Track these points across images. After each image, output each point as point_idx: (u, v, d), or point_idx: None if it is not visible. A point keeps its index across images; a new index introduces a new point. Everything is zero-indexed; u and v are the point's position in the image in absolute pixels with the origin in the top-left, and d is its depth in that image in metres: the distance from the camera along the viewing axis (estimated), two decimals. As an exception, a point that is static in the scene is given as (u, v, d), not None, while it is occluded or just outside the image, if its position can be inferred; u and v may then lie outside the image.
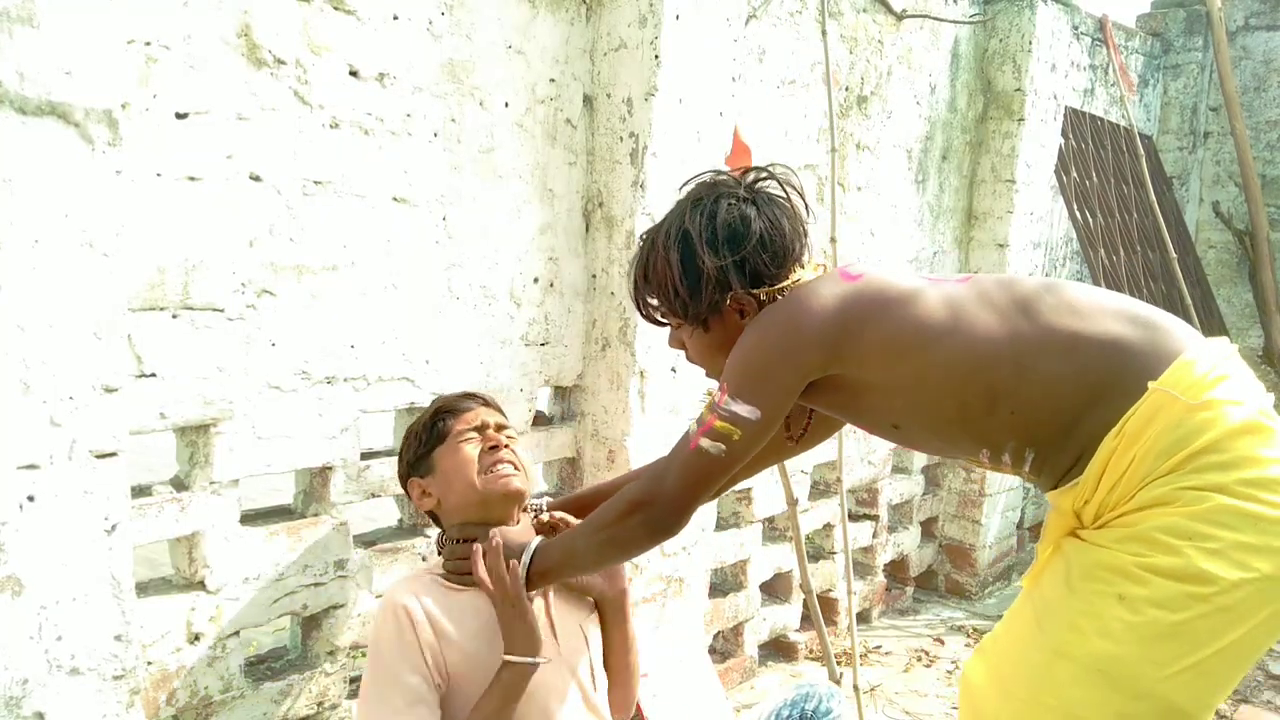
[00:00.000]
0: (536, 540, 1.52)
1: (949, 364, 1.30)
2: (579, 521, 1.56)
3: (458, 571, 1.53)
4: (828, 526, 3.26)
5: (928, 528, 3.87)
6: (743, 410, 1.34)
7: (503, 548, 1.48)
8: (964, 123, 3.61)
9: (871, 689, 2.98)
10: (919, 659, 3.26)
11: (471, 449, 1.58)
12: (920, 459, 3.69)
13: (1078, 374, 1.24)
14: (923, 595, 3.85)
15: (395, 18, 1.89)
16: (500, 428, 1.63)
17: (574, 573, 1.54)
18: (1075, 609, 1.22)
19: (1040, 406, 1.27)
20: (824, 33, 2.75)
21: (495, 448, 1.58)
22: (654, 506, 1.38)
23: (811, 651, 3.18)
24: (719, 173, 1.52)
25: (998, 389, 1.28)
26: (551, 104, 2.21)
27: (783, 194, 1.48)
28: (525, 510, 1.64)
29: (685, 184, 1.53)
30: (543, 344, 2.29)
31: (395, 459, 2.04)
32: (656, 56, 2.17)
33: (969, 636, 3.47)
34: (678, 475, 1.38)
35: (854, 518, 3.43)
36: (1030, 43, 3.55)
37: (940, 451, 1.45)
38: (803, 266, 1.47)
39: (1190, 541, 1.14)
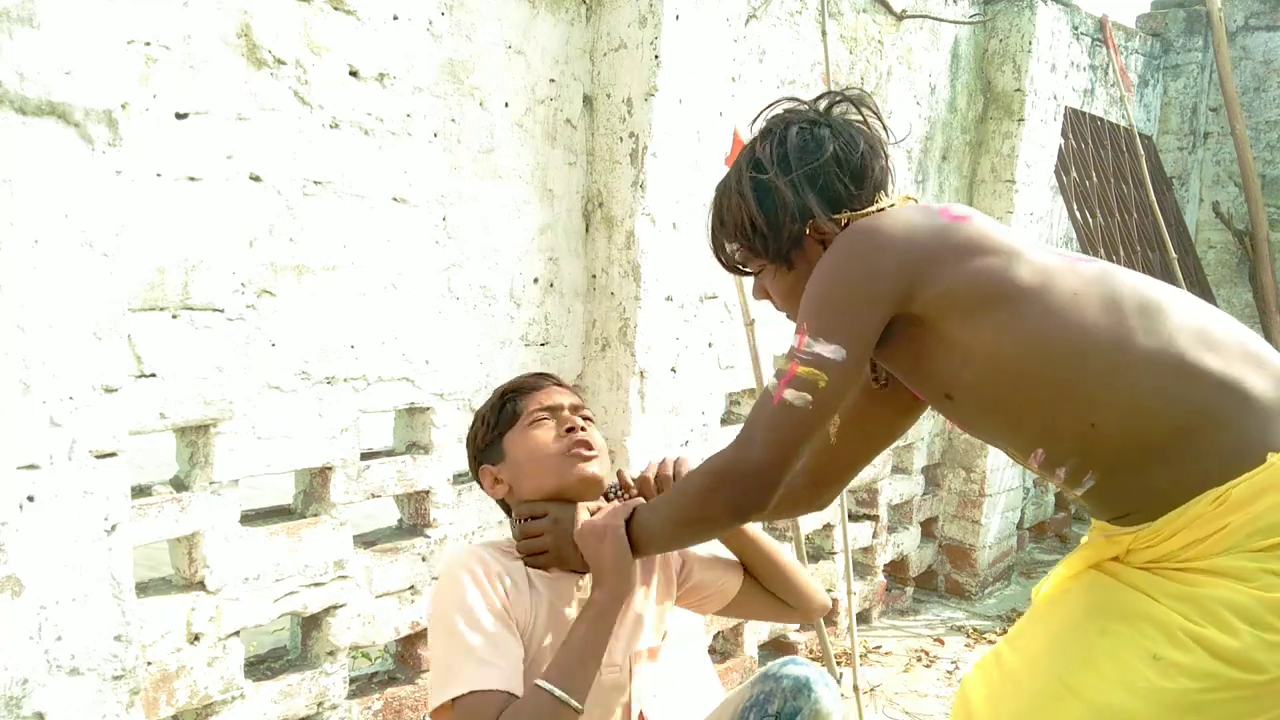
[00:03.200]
0: (640, 500, 1.43)
1: (1033, 336, 1.17)
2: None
3: (533, 550, 1.41)
4: (828, 526, 3.26)
5: (928, 528, 3.87)
6: (826, 350, 1.19)
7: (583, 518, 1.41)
8: (964, 123, 3.61)
9: (871, 689, 2.98)
10: (919, 659, 3.26)
11: (544, 432, 1.45)
12: (920, 459, 3.69)
13: (1187, 404, 1.11)
14: (923, 595, 3.85)
15: (395, 18, 1.89)
16: (575, 409, 1.50)
17: (655, 549, 1.40)
18: (1100, 649, 1.15)
19: (1127, 426, 1.14)
20: (824, 33, 2.75)
21: (571, 430, 1.45)
22: (741, 480, 1.23)
23: (811, 652, 3.18)
24: (792, 99, 1.39)
25: (1079, 388, 1.15)
26: (551, 104, 2.21)
27: (859, 117, 1.35)
28: (604, 497, 1.52)
29: (756, 118, 1.40)
30: (543, 344, 2.29)
31: (395, 459, 2.05)
32: (656, 57, 2.17)
33: (969, 637, 3.47)
34: (764, 438, 1.21)
35: (854, 518, 3.43)
36: (1030, 43, 3.55)
37: (989, 439, 1.32)
38: (887, 194, 1.33)
39: (1254, 629, 1.06)
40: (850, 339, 1.20)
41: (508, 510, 1.52)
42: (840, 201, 1.29)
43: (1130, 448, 1.15)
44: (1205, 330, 1.15)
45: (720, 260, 1.43)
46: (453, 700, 1.24)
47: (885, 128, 1.36)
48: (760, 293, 1.44)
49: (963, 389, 1.25)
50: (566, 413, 1.48)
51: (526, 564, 1.41)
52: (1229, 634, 1.07)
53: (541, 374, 1.56)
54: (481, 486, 1.53)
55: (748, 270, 1.41)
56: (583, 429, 1.46)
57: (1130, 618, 1.15)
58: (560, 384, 1.54)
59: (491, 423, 1.49)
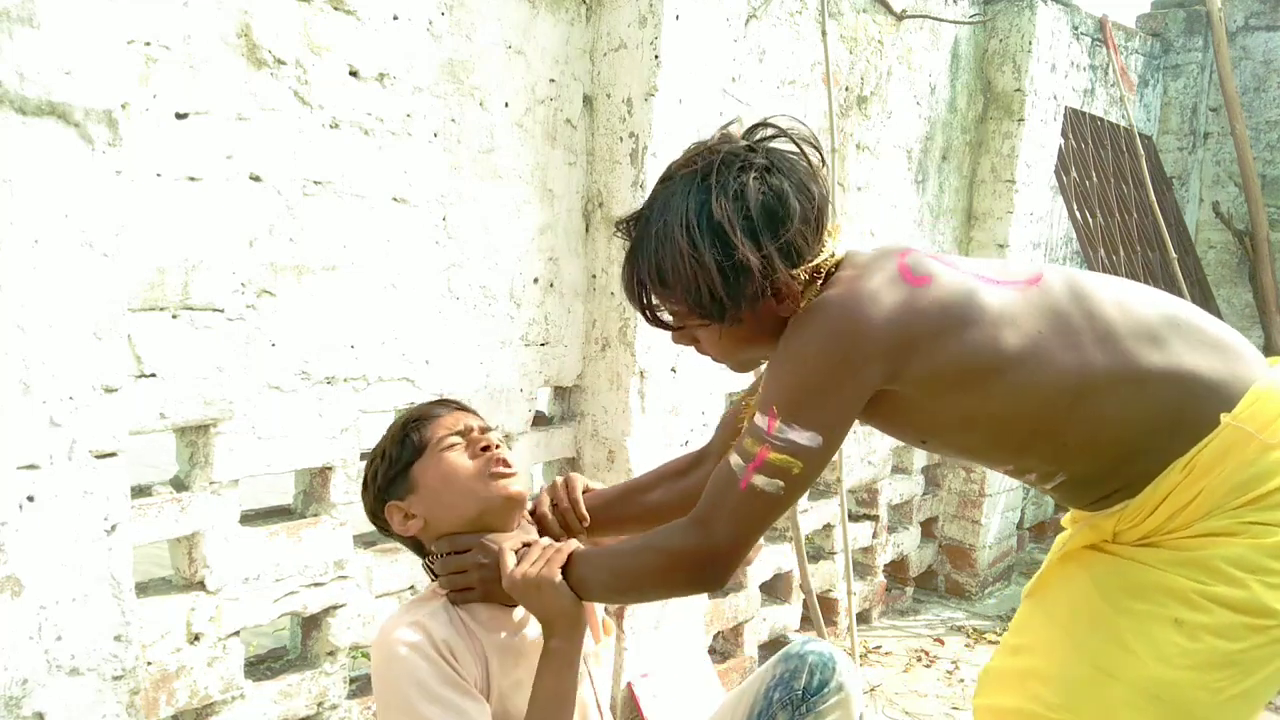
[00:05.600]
0: (573, 543, 1.35)
1: (1009, 399, 1.19)
2: (605, 541, 1.43)
3: (458, 587, 1.34)
4: (828, 526, 3.26)
5: (928, 528, 3.87)
6: (802, 438, 1.15)
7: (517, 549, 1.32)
8: (964, 123, 3.61)
9: (871, 689, 2.98)
10: (919, 659, 3.26)
11: (458, 455, 1.37)
12: (920, 460, 3.69)
13: (1146, 408, 1.17)
14: (923, 595, 3.85)
15: (395, 18, 1.89)
16: (484, 430, 1.42)
17: (602, 600, 1.36)
18: (1124, 627, 1.18)
19: (1097, 442, 1.20)
20: (824, 33, 2.75)
21: (486, 448, 1.37)
22: (702, 566, 1.20)
23: (811, 651, 3.18)
24: (724, 139, 1.28)
25: (1052, 423, 1.20)
26: (551, 104, 2.21)
27: (797, 150, 1.27)
28: (524, 517, 1.45)
29: (685, 159, 1.28)
30: (542, 344, 2.29)
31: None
32: (656, 56, 2.17)
33: (969, 637, 3.47)
34: (729, 523, 1.18)
35: (854, 518, 3.43)
36: (1030, 43, 3.55)
37: (962, 462, 1.40)
38: (830, 235, 1.28)
39: (1255, 575, 1.11)
40: (826, 427, 1.17)
41: (419, 550, 1.44)
42: (800, 256, 1.23)
43: (1099, 453, 1.21)
44: (1145, 324, 1.19)
45: (644, 313, 1.31)
46: None
47: (822, 157, 1.29)
48: (685, 340, 1.34)
49: (939, 438, 1.30)
50: (476, 434, 1.40)
51: (451, 600, 1.35)
52: (1235, 586, 1.12)
53: (442, 400, 1.48)
54: (387, 529, 1.42)
55: (674, 326, 1.31)
56: (498, 446, 1.39)
57: (1143, 591, 1.18)
58: (463, 407, 1.45)
59: (394, 456, 1.38)
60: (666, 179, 1.27)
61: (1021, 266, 1.28)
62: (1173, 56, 4.95)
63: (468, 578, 1.33)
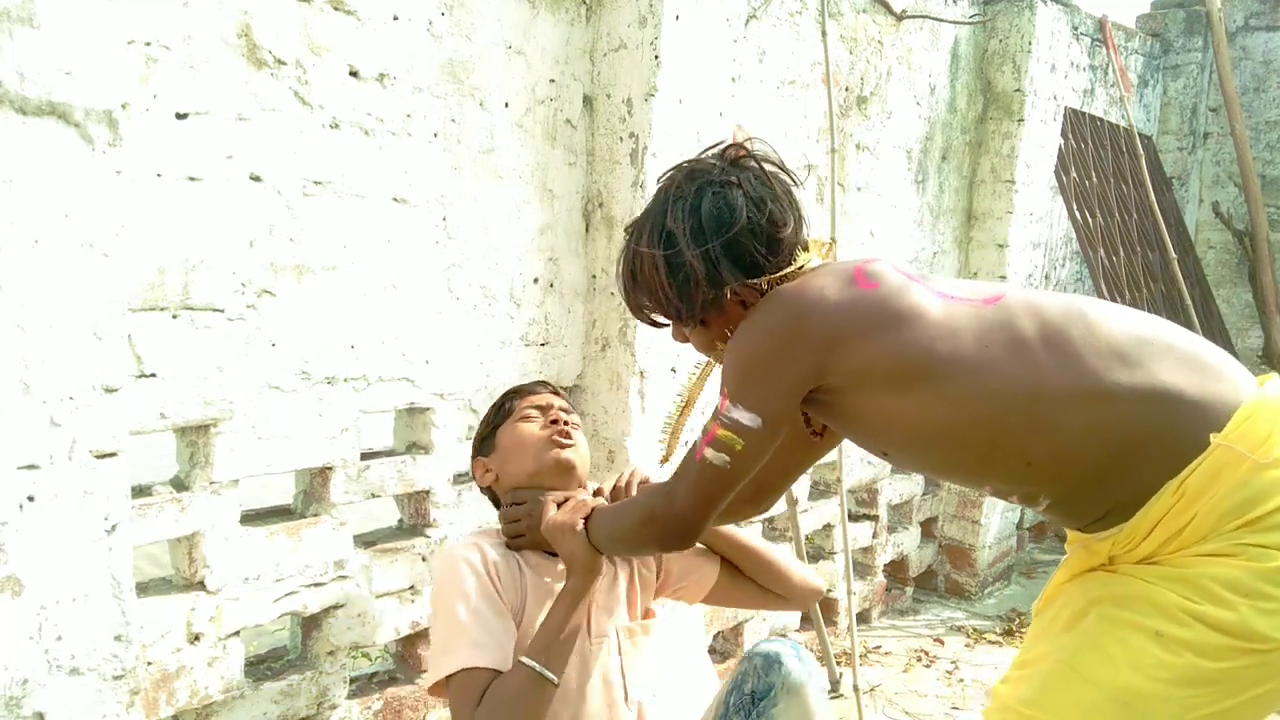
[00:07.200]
0: (599, 500, 1.58)
1: (954, 405, 1.20)
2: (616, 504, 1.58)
3: (513, 534, 1.58)
4: (828, 527, 3.26)
5: (927, 528, 3.87)
6: (744, 417, 1.26)
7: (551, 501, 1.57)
8: (964, 123, 3.61)
9: (871, 689, 2.98)
10: (919, 659, 3.26)
11: (531, 425, 1.63)
12: (920, 459, 3.69)
13: (1117, 428, 1.15)
14: (922, 595, 3.85)
15: (395, 18, 1.89)
16: (565, 410, 1.67)
17: (607, 550, 1.51)
18: (1104, 633, 1.17)
19: (1063, 460, 1.18)
20: (824, 33, 2.75)
21: (555, 421, 1.62)
22: (665, 526, 1.36)
23: (811, 651, 3.18)
24: (698, 158, 1.43)
25: (1007, 439, 1.19)
26: (551, 104, 2.21)
27: (766, 172, 1.37)
28: (582, 487, 1.67)
29: (664, 175, 1.45)
30: (543, 344, 2.29)
31: (395, 459, 2.05)
32: (656, 57, 2.17)
33: (969, 636, 3.47)
34: (686, 490, 1.33)
35: (854, 518, 3.43)
36: (1030, 43, 3.55)
37: (941, 480, 1.42)
38: (805, 249, 1.36)
39: (1247, 599, 1.09)
40: (765, 409, 1.27)
41: (495, 501, 1.70)
42: (757, 267, 1.33)
43: (1073, 475, 1.19)
44: (1112, 343, 1.18)
45: (632, 312, 1.47)
46: (448, 677, 1.40)
47: (792, 177, 1.39)
48: (680, 337, 1.48)
49: (896, 449, 1.33)
50: (554, 411, 1.65)
51: (509, 545, 1.59)
52: (1225, 608, 1.10)
53: (540, 381, 1.76)
54: (475, 478, 1.71)
55: (662, 324, 1.46)
56: (565, 422, 1.63)
57: (1127, 601, 1.17)
58: (556, 391, 1.72)
59: (489, 419, 1.69)
60: (655, 195, 1.43)
61: (987, 287, 1.30)
62: (1172, 57, 4.95)
63: (519, 525, 1.58)
